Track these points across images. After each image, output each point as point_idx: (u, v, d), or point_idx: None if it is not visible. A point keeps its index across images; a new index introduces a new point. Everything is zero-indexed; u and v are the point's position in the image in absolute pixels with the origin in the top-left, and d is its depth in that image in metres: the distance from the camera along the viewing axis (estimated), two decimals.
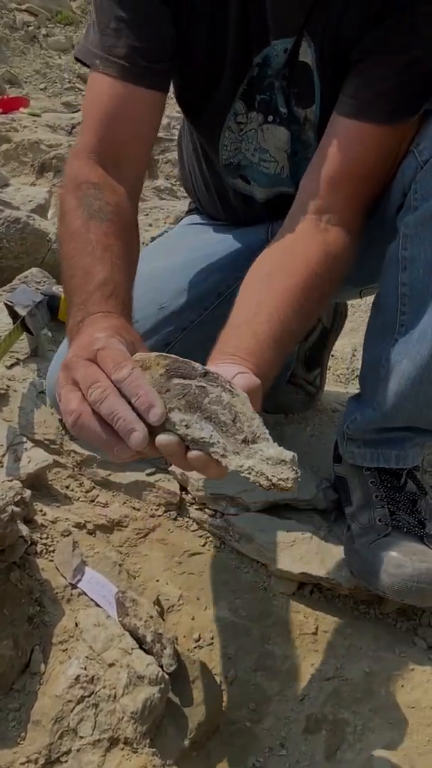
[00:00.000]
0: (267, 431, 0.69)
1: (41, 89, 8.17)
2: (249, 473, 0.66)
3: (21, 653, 0.85)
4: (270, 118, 1.05)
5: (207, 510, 1.14)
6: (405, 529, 1.02)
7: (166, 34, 0.96)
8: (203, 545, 1.12)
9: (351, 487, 1.11)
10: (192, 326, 1.24)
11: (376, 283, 1.07)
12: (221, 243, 1.26)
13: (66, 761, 0.77)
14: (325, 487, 1.18)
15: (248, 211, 1.23)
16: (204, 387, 0.69)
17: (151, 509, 1.15)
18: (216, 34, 0.97)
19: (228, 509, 1.13)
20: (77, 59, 1.02)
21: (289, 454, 0.67)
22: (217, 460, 0.66)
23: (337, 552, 1.06)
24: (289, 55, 0.96)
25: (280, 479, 0.65)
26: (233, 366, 0.76)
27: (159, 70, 0.96)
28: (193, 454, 0.67)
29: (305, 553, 1.05)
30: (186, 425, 0.67)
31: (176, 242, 1.30)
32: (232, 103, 1.04)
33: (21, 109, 3.92)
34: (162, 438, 0.68)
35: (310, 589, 1.05)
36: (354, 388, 1.73)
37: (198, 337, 1.25)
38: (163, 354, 0.71)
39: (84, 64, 0.99)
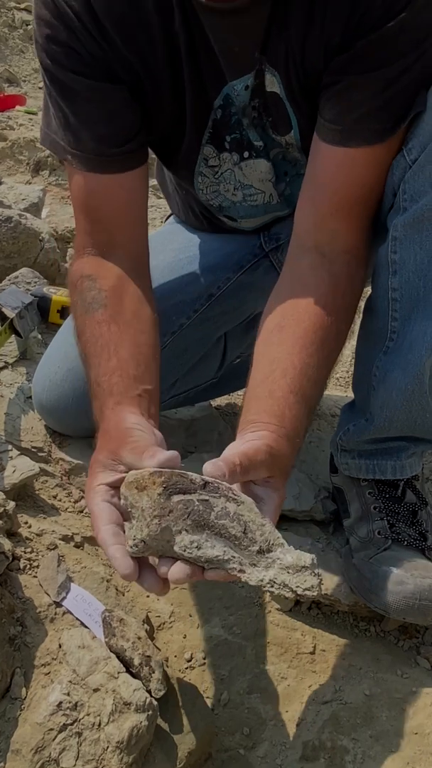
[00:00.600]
0: (280, 535, 0.68)
1: (40, 88, 8.14)
2: (272, 586, 0.65)
3: (1, 677, 0.80)
4: (246, 154, 1.01)
5: None
6: (405, 542, 0.98)
7: (128, 112, 0.93)
8: None
9: (348, 499, 1.07)
10: (181, 330, 1.19)
11: None
12: (210, 243, 1.22)
13: None
14: (323, 498, 1.14)
15: (238, 232, 1.19)
16: (207, 500, 0.67)
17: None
18: (176, 88, 0.92)
19: None
20: (46, 149, 1.00)
21: (308, 558, 0.67)
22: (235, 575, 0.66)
23: (336, 566, 1.02)
24: (255, 88, 0.92)
25: (305, 589, 0.65)
26: (256, 434, 0.76)
27: (130, 149, 0.94)
28: (211, 573, 0.67)
29: None
30: (197, 546, 0.66)
31: (163, 242, 1.25)
32: (200, 149, 1.01)
33: (17, 107, 3.87)
34: (174, 574, 0.67)
35: (307, 606, 1.00)
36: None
37: (187, 341, 1.21)
38: (158, 470, 0.69)
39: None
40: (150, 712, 0.77)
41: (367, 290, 1.04)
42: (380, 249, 0.92)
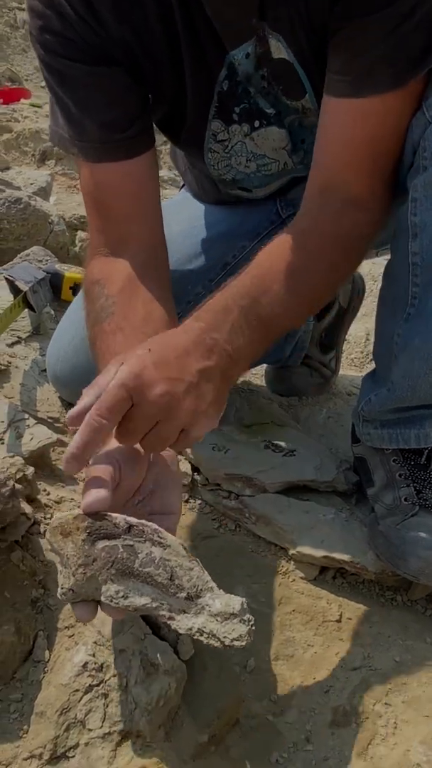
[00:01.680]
0: (209, 578, 0.66)
1: (42, 87, 8.13)
2: (200, 635, 0.64)
3: (24, 639, 0.78)
4: (257, 123, 0.98)
5: (221, 491, 1.08)
6: None
7: (129, 94, 0.90)
8: (217, 528, 1.05)
9: (372, 467, 1.04)
10: (197, 299, 1.17)
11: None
12: (225, 212, 1.20)
13: (73, 756, 0.70)
14: (345, 469, 1.12)
15: (252, 202, 1.17)
16: (132, 546, 0.65)
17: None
18: (175, 65, 0.90)
19: (243, 490, 1.06)
20: (55, 145, 0.98)
21: (237, 603, 0.65)
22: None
23: (361, 535, 0.99)
24: (260, 57, 0.89)
25: (233, 639, 0.63)
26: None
27: (136, 133, 0.91)
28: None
29: (327, 535, 0.98)
30: (123, 596, 0.64)
31: (176, 210, 1.23)
32: (207, 125, 0.98)
33: (22, 100, 3.86)
34: (106, 610, 0.66)
35: (332, 574, 0.98)
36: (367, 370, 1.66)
37: None
38: (81, 514, 0.67)
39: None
40: (178, 675, 0.75)
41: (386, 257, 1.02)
42: (400, 211, 0.89)
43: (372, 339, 1.79)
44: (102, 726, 0.71)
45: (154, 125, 1.00)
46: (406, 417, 1.00)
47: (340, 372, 1.55)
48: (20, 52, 9.40)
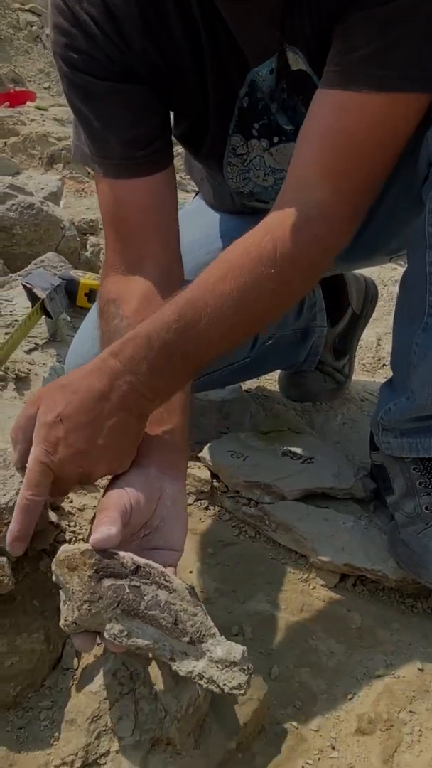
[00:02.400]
0: (212, 624, 0.68)
1: (45, 88, 8.15)
2: (200, 679, 0.66)
3: (53, 647, 0.79)
4: (275, 139, 0.99)
5: (240, 499, 1.08)
6: None
7: (151, 112, 0.91)
8: (237, 535, 1.06)
9: (391, 475, 1.05)
10: None
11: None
12: (240, 220, 1.20)
13: (104, 763, 0.71)
14: (363, 476, 1.13)
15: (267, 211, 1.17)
16: (138, 587, 0.67)
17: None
18: (199, 81, 0.91)
19: (263, 498, 1.07)
20: (77, 161, 0.99)
21: (238, 652, 0.67)
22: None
23: (381, 543, 1.00)
24: (280, 70, 0.90)
25: (232, 687, 0.65)
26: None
27: (156, 150, 0.92)
28: None
29: (348, 543, 0.99)
30: (127, 635, 0.66)
31: (192, 219, 1.24)
32: (227, 140, 0.99)
33: (27, 103, 3.87)
34: (108, 645, 0.70)
35: (352, 582, 0.99)
36: (381, 378, 1.67)
37: None
38: (89, 549, 0.68)
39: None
40: None
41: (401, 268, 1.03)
42: (417, 222, 0.90)
43: (383, 344, 1.81)
44: (132, 734, 0.72)
45: (174, 138, 1.01)
46: (426, 426, 1.01)
47: (353, 377, 1.56)
48: (23, 53, 9.41)
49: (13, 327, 1.33)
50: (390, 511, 1.05)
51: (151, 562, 0.70)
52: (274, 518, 1.04)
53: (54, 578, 0.71)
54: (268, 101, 0.93)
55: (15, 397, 1.11)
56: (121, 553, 0.69)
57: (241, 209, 1.18)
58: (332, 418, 1.38)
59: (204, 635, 0.68)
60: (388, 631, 0.93)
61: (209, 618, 0.69)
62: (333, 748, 0.80)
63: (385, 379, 1.53)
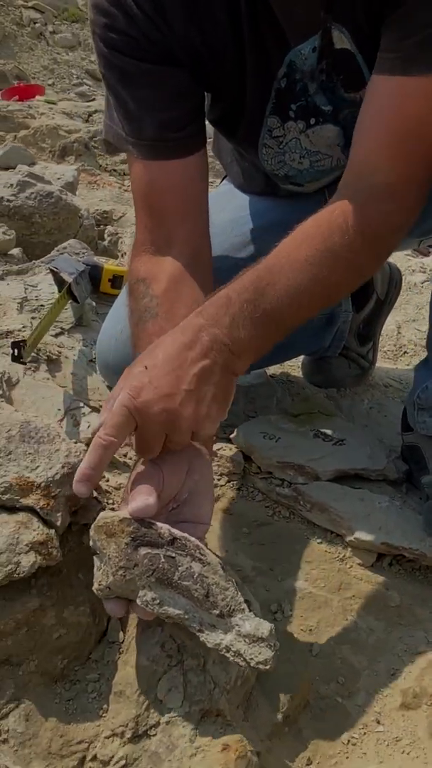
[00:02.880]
0: (242, 600, 0.69)
1: (49, 85, 8.12)
2: (227, 652, 0.67)
3: (98, 620, 0.79)
4: (312, 121, 0.99)
5: (273, 479, 1.08)
6: None
7: (188, 95, 0.92)
8: (271, 515, 1.05)
9: (426, 455, 1.06)
10: None
11: None
12: (271, 201, 1.20)
13: (155, 734, 0.71)
14: (395, 458, 1.13)
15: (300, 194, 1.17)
16: (173, 558, 0.68)
17: (214, 479, 1.09)
18: (238, 63, 0.91)
19: (296, 478, 1.07)
20: (108, 143, 0.99)
21: (266, 628, 0.68)
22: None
23: (417, 522, 1.00)
24: (323, 49, 0.90)
25: (258, 662, 0.67)
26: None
27: (190, 133, 0.93)
28: None
29: (384, 523, 0.99)
30: (159, 603, 0.67)
31: (222, 200, 1.24)
32: (263, 122, 0.99)
33: (37, 97, 3.87)
34: (138, 610, 0.71)
35: (389, 561, 0.99)
36: (402, 365, 1.67)
37: None
38: (127, 518, 0.70)
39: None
40: None
41: None
42: None
43: (404, 332, 1.81)
44: (182, 705, 0.72)
45: (208, 122, 1.01)
46: None
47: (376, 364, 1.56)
48: (27, 50, 9.40)
49: (40, 311, 1.33)
50: (424, 491, 1.05)
51: (186, 535, 0.71)
52: (309, 498, 1.03)
53: (91, 543, 0.72)
54: (307, 81, 0.93)
55: (47, 378, 1.11)
56: (158, 524, 0.70)
57: (271, 191, 1.18)
58: (359, 402, 1.38)
59: (234, 610, 0.69)
60: (426, 609, 0.93)
61: (240, 594, 0.70)
62: (378, 722, 0.80)
63: (408, 365, 1.53)
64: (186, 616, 0.68)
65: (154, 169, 0.93)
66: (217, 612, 0.68)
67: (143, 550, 0.68)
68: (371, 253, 0.87)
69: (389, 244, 0.91)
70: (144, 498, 0.70)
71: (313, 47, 0.89)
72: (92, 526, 0.72)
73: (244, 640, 0.67)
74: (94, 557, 0.72)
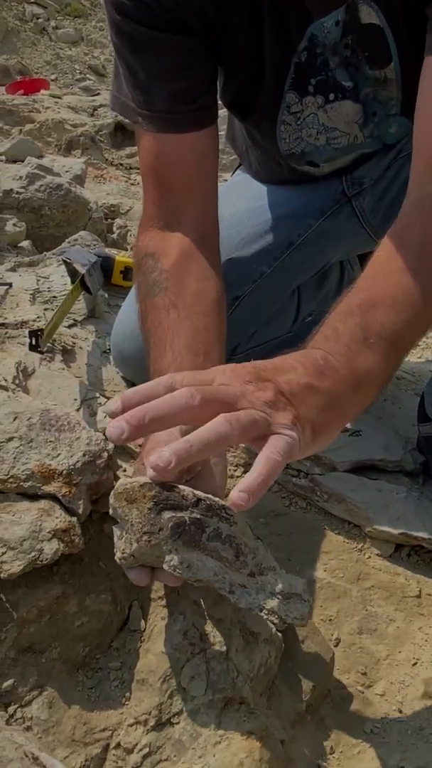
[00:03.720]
0: (272, 558, 0.67)
1: (52, 80, 8.11)
2: (260, 611, 0.65)
3: (119, 608, 0.78)
4: (331, 96, 0.98)
5: (289, 470, 1.08)
6: None
7: (200, 67, 0.91)
8: (288, 506, 1.05)
9: None
10: (262, 279, 1.18)
11: None
12: (288, 191, 1.20)
13: (178, 722, 0.71)
14: (411, 449, 1.12)
15: (315, 180, 1.16)
16: (199, 519, 0.65)
17: (229, 470, 1.09)
18: (254, 36, 0.90)
19: (312, 469, 1.06)
20: (116, 113, 0.97)
21: (299, 584, 0.66)
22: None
23: None
24: (347, 23, 0.89)
25: (294, 618, 0.65)
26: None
27: (202, 106, 0.91)
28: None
29: (402, 513, 0.99)
30: (187, 566, 0.64)
31: (238, 190, 1.24)
32: (282, 97, 0.98)
33: (42, 91, 3.86)
34: (163, 578, 0.68)
35: (407, 552, 0.99)
36: (415, 357, 1.67)
37: (267, 290, 1.19)
38: (148, 482, 0.66)
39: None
40: (276, 644, 0.76)
41: None
42: None
43: None
44: (206, 693, 0.72)
45: (222, 103, 1.00)
46: None
47: None
48: (30, 45, 9.38)
49: (52, 302, 1.32)
50: None
51: (210, 496, 0.68)
52: (326, 489, 1.03)
53: (111, 512, 0.69)
54: (328, 55, 0.92)
55: (62, 369, 1.11)
56: (181, 486, 0.67)
57: (287, 178, 1.17)
58: None
59: (264, 568, 0.67)
60: None
61: (269, 553, 0.68)
62: (400, 711, 0.80)
63: (420, 358, 1.53)
64: (216, 578, 0.65)
65: (164, 141, 0.92)
66: (247, 571, 0.66)
67: (167, 514, 0.65)
68: None
69: None
70: (164, 460, 0.66)
71: (336, 20, 0.89)
72: (112, 493, 0.69)
73: (278, 598, 0.65)
74: (114, 527, 0.70)
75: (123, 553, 0.68)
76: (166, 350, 0.83)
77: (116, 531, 0.70)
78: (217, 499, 0.68)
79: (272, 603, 0.65)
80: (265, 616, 0.66)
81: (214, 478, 0.76)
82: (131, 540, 0.67)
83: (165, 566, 0.65)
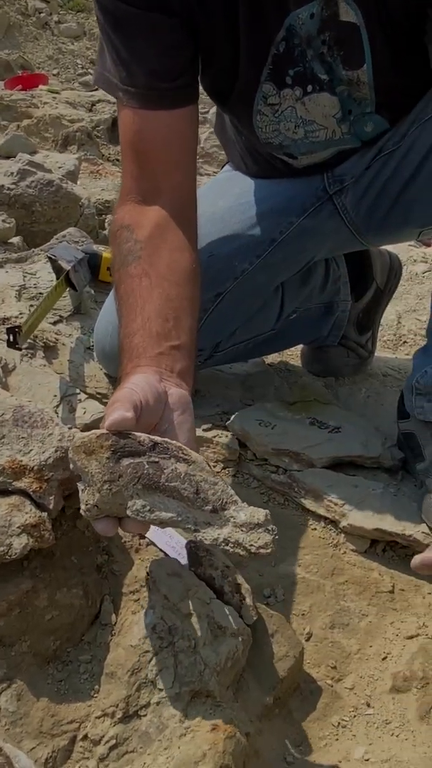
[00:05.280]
0: (233, 492, 0.68)
1: (54, 74, 8.10)
2: (226, 545, 0.66)
3: (91, 603, 0.79)
4: (309, 88, 0.98)
5: (268, 466, 1.09)
6: None
7: (181, 46, 0.92)
8: (266, 502, 1.06)
9: (422, 442, 1.06)
10: (243, 276, 1.18)
11: None
12: (271, 187, 1.20)
13: (145, 714, 0.72)
14: (390, 446, 1.13)
15: (299, 173, 1.16)
16: (157, 462, 0.67)
17: (206, 457, 1.10)
18: (231, 23, 0.91)
19: (291, 465, 1.07)
20: (99, 87, 0.98)
21: (261, 514, 0.66)
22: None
23: (411, 509, 1.00)
24: (326, 19, 0.89)
25: (259, 547, 0.65)
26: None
27: (182, 85, 0.92)
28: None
29: (378, 509, 0.99)
30: (150, 510, 0.66)
31: (222, 187, 1.24)
32: (258, 87, 0.99)
33: (40, 86, 3.87)
34: (130, 526, 0.69)
35: (382, 547, 0.99)
36: (402, 354, 1.67)
37: (249, 287, 1.19)
38: (104, 433, 0.68)
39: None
40: (244, 637, 0.77)
41: None
42: None
43: (404, 321, 1.80)
44: (173, 686, 0.73)
45: (202, 89, 1.00)
46: None
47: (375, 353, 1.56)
48: (32, 39, 9.36)
49: (38, 299, 1.33)
50: (419, 478, 1.05)
51: (167, 439, 0.69)
52: (304, 485, 1.04)
53: (71, 466, 0.71)
54: (305, 47, 0.93)
55: (44, 365, 1.12)
56: (137, 433, 0.69)
57: (270, 166, 1.17)
58: (357, 391, 1.38)
59: (226, 502, 0.67)
60: (419, 595, 0.94)
61: (229, 487, 0.69)
62: (368, 705, 0.81)
63: (408, 355, 1.53)
64: (179, 518, 0.66)
65: (144, 117, 0.93)
66: (209, 508, 0.67)
67: (126, 461, 0.67)
68: None
69: None
70: (120, 412, 0.69)
71: (311, 13, 0.89)
72: (70, 447, 0.71)
73: (242, 530, 0.66)
74: (78, 483, 0.71)
75: (87, 505, 0.69)
76: (136, 315, 0.85)
77: (80, 485, 0.70)
78: (173, 441, 0.69)
79: (237, 535, 0.66)
80: (231, 549, 0.66)
81: (181, 435, 0.77)
82: (93, 491, 0.68)
83: (128, 512, 0.67)
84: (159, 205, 0.93)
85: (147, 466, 0.67)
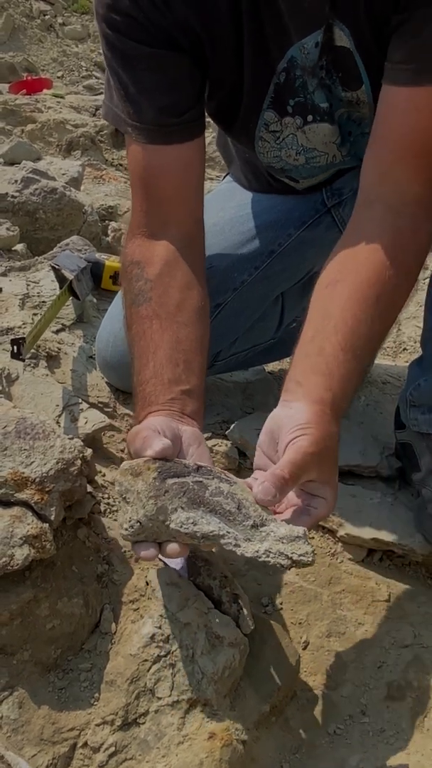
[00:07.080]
0: (271, 512, 0.72)
1: (59, 77, 8.12)
2: (267, 556, 0.68)
3: (91, 612, 0.81)
4: (310, 118, 1.00)
5: None
6: None
7: (188, 81, 0.93)
8: None
9: (418, 453, 1.07)
10: (242, 287, 1.20)
11: None
12: (271, 200, 1.22)
13: (143, 722, 0.73)
14: (388, 455, 1.14)
15: (299, 192, 1.18)
16: (201, 481, 0.71)
17: None
18: (237, 54, 0.92)
19: None
20: (108, 122, 1.00)
21: (300, 529, 0.70)
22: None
23: (408, 518, 1.02)
24: (324, 45, 0.90)
25: (300, 555, 0.68)
26: (301, 427, 0.77)
27: (189, 119, 0.94)
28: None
29: (375, 518, 1.01)
30: (193, 522, 0.69)
31: (222, 199, 1.26)
32: (260, 115, 1.00)
33: (44, 91, 3.88)
34: (170, 548, 0.71)
35: (379, 556, 1.01)
36: (402, 362, 1.68)
37: (248, 298, 1.21)
38: (151, 458, 0.73)
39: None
40: (241, 647, 0.78)
41: None
42: None
43: (403, 329, 1.81)
44: (171, 694, 0.74)
45: (207, 113, 1.02)
46: None
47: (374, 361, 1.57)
48: (36, 42, 9.39)
49: (41, 308, 1.35)
50: (416, 488, 1.06)
51: (210, 464, 0.74)
52: None
53: (117, 488, 0.74)
54: (307, 78, 0.94)
55: (46, 375, 1.13)
56: (180, 459, 0.74)
57: (270, 186, 1.19)
58: (355, 399, 1.39)
59: (266, 519, 0.71)
60: (415, 604, 0.95)
61: (267, 509, 0.73)
62: (363, 713, 0.82)
63: (408, 362, 1.54)
64: (220, 533, 0.69)
65: (152, 152, 0.95)
66: (250, 523, 0.70)
67: (171, 481, 0.71)
68: (413, 256, 0.89)
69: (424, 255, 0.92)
70: (159, 441, 0.74)
71: (316, 42, 0.90)
72: (118, 471, 0.75)
73: (282, 542, 0.69)
74: (120, 507, 0.74)
75: (129, 522, 0.72)
76: (148, 361, 0.88)
77: (123, 507, 0.73)
78: (216, 468, 0.74)
79: (278, 546, 0.69)
80: (272, 560, 0.69)
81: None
82: (137, 508, 0.71)
83: (172, 525, 0.70)
84: (167, 239, 0.95)
85: (192, 484, 0.71)
